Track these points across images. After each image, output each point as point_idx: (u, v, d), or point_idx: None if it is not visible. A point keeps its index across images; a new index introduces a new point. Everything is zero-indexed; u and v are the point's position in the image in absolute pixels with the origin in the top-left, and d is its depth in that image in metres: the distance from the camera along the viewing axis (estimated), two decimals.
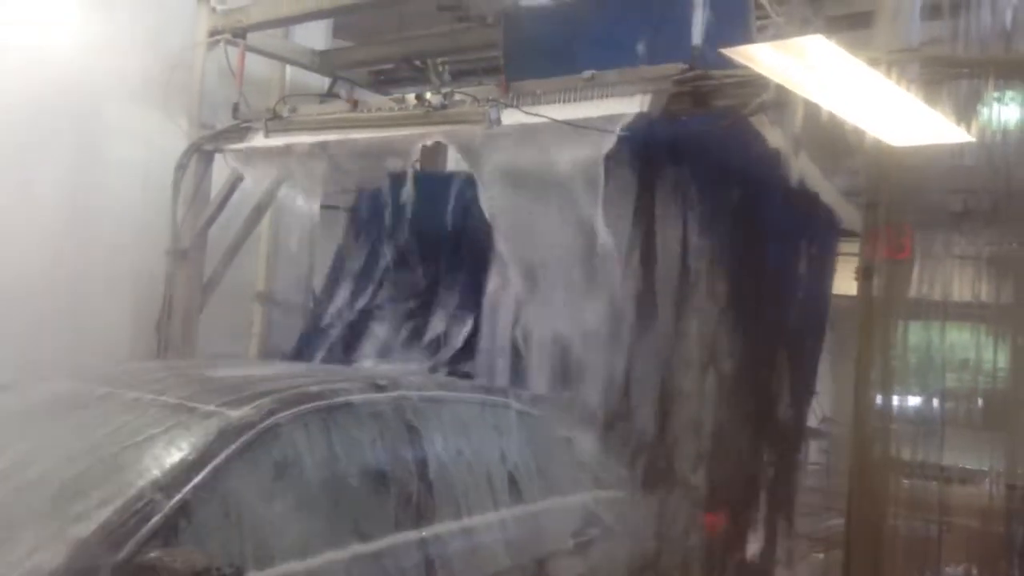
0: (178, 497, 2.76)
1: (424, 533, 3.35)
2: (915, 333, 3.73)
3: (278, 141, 5.81)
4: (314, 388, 3.39)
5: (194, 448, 2.91)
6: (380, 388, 3.55)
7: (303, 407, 3.23)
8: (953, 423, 3.76)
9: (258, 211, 6.44)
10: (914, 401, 3.82)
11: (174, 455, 2.88)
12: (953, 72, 3.59)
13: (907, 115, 3.37)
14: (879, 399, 3.68)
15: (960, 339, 3.82)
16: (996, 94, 3.56)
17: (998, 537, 3.73)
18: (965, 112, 3.52)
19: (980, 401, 3.83)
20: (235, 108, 6.07)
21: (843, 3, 4.53)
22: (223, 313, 6.44)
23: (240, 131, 6.01)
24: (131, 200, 6.08)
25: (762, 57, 3.02)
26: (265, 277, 7.09)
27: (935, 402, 3.79)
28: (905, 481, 3.69)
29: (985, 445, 3.76)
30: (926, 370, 3.76)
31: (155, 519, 2.67)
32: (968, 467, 3.83)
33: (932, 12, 3.74)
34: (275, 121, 5.86)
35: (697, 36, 4.56)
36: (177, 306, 6.13)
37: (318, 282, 6.49)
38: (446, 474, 3.54)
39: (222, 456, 2.92)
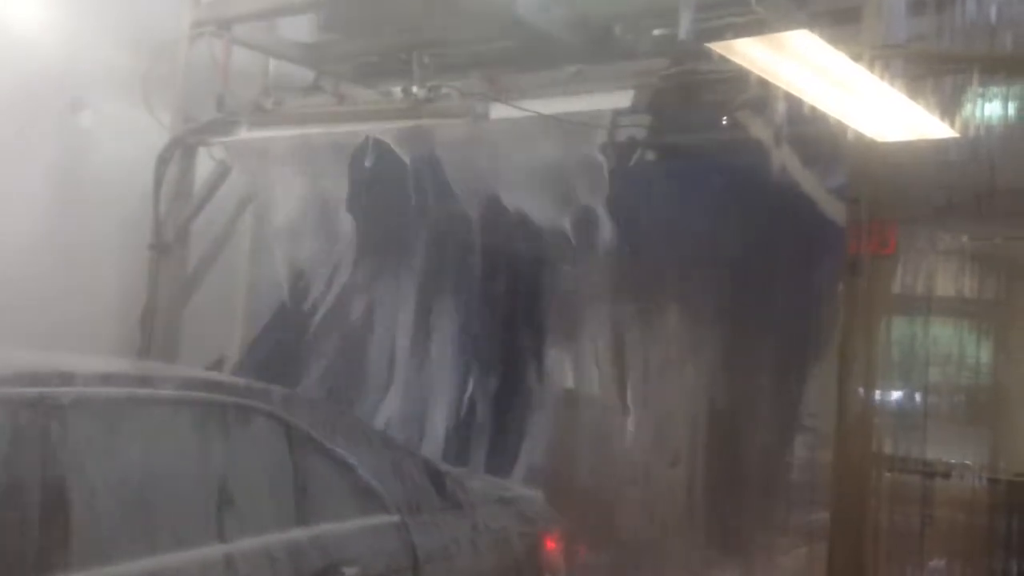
0: None
1: None
2: (898, 328, 3.75)
3: (262, 135, 5.78)
4: None
5: None
6: None
7: None
8: (936, 417, 3.79)
9: (242, 205, 6.41)
10: (897, 395, 3.85)
11: None
12: (938, 68, 3.61)
13: (892, 111, 3.38)
14: (862, 393, 3.70)
15: (943, 334, 3.85)
16: (980, 90, 3.58)
17: (980, 530, 3.76)
18: (949, 108, 3.54)
19: (963, 395, 3.86)
20: (219, 101, 6.02)
21: None
22: (208, 308, 6.40)
23: (224, 124, 5.97)
24: (114, 194, 6.02)
25: (748, 52, 3.02)
26: (249, 271, 7.04)
27: (918, 396, 3.82)
28: (888, 475, 3.71)
29: (968, 439, 3.79)
30: (909, 365, 3.78)
31: None
32: (951, 461, 3.86)
33: (917, 8, 3.76)
34: (259, 114, 5.82)
35: (684, 30, 4.58)
36: (161, 301, 6.09)
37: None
38: (103, 504, 2.63)
39: None
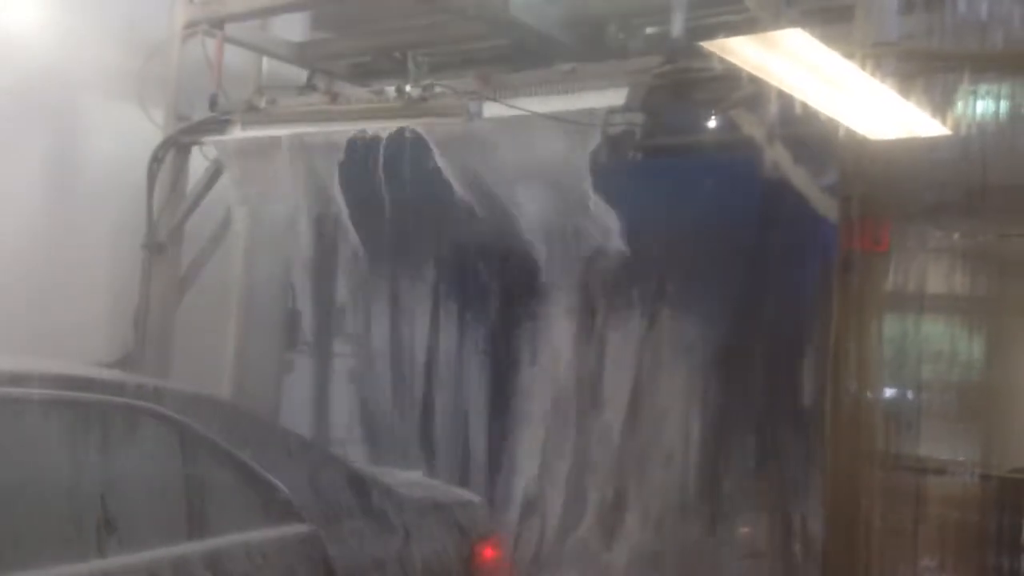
0: None
1: None
2: (891, 325, 3.76)
3: (256, 134, 5.77)
4: None
5: None
6: None
7: None
8: (929, 414, 3.80)
9: (236, 204, 6.39)
10: (890, 392, 3.86)
11: None
12: (929, 66, 3.62)
13: (884, 108, 3.39)
14: (855, 391, 3.71)
15: (935, 331, 3.86)
16: (971, 87, 3.59)
17: (973, 526, 3.78)
18: (941, 105, 3.55)
19: (955, 392, 3.88)
20: (213, 100, 6.01)
21: None
22: (202, 308, 6.39)
23: (218, 124, 5.96)
24: (107, 193, 6.01)
25: (741, 50, 3.02)
26: (243, 271, 7.02)
27: (911, 393, 3.83)
28: (881, 472, 3.72)
29: (960, 436, 3.80)
30: (902, 362, 3.79)
31: None
32: (944, 458, 3.87)
33: (908, 6, 3.77)
34: (252, 113, 5.81)
35: (677, 28, 4.60)
36: (154, 301, 6.08)
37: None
38: None
39: None
